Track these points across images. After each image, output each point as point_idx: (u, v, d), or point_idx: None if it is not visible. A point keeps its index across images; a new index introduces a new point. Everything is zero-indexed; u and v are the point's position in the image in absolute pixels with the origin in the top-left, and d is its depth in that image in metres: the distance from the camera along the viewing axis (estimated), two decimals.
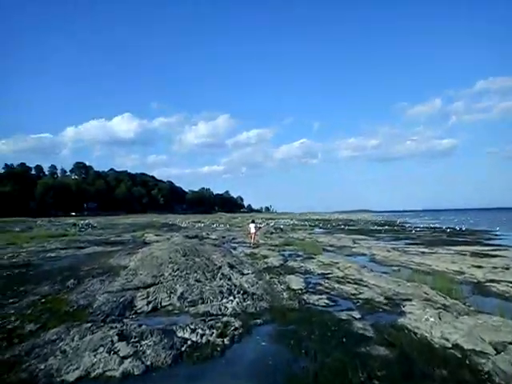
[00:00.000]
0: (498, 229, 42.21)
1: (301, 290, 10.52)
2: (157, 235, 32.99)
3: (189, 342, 6.23)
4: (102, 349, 5.81)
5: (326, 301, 9.25)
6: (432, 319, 7.12)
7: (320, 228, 54.35)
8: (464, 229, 43.21)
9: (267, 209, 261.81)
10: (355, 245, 25.28)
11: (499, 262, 15.47)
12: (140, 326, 7.01)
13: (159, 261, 13.86)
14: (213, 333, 6.70)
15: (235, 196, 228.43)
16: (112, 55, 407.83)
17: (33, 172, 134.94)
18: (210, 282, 10.94)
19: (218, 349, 6.01)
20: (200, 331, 6.75)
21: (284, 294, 9.94)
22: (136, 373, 5.15)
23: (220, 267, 13.62)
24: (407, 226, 56.83)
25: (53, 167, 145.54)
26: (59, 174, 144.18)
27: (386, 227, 51.99)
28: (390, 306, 8.72)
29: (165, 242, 24.33)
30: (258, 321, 7.52)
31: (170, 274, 11.86)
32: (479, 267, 14.29)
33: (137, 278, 11.53)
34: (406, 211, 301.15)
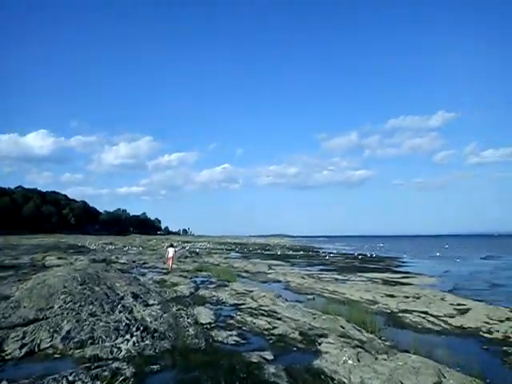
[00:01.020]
0: (405, 256, 44.26)
1: (210, 324, 9.52)
2: (60, 258, 30.21)
3: None
4: None
5: (237, 338, 8.33)
6: (350, 361, 6.47)
7: (237, 252, 53.68)
8: (374, 255, 44.75)
9: (185, 231, 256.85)
10: (270, 271, 24.81)
11: (410, 290, 15.63)
12: None
13: (51, 290, 12.10)
14: None
15: (152, 218, 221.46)
16: (34, 68, 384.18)
17: None
18: (107, 316, 9.56)
19: None
20: None
21: (190, 329, 8.84)
22: None
23: (122, 297, 12.24)
24: (321, 251, 57.92)
25: None
26: None
27: (301, 253, 52.59)
28: (306, 343, 7.99)
29: (67, 266, 22.13)
30: (155, 367, 6.36)
31: (60, 306, 10.26)
32: (392, 296, 14.28)
33: (18, 312, 9.80)
34: (321, 236, 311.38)
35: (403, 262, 36.04)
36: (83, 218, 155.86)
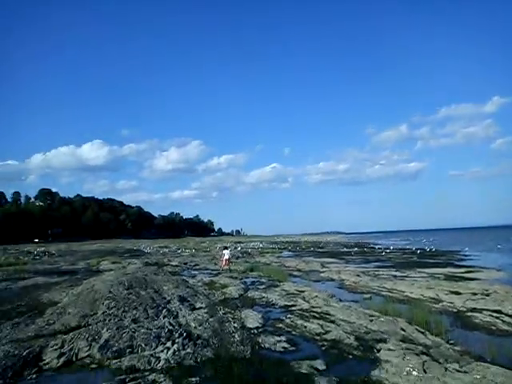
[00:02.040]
0: (466, 249, 41.73)
1: (257, 328, 8.86)
2: (114, 262, 30.72)
3: None
4: None
5: (286, 344, 7.61)
6: (415, 372, 5.57)
7: (289, 251, 52.93)
8: (434, 249, 42.49)
9: (238, 232, 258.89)
10: (324, 269, 23.84)
11: (477, 286, 14.20)
12: None
13: (96, 296, 11.91)
14: None
15: (205, 220, 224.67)
16: (82, 82, 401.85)
17: None
18: (150, 322, 9.12)
19: None
20: None
21: (236, 335, 8.21)
22: None
23: (169, 301, 11.84)
24: (377, 247, 55.98)
25: (16, 194, 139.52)
26: (23, 201, 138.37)
27: (356, 249, 51.00)
28: (362, 350, 7.13)
29: (118, 270, 22.27)
30: (194, 379, 5.75)
31: (103, 312, 9.96)
32: (457, 293, 12.99)
33: (62, 318, 9.58)
34: (376, 232, 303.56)
35: (465, 256, 33.86)
36: (139, 223, 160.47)
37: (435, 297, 12.74)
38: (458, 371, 5.58)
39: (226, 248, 26.48)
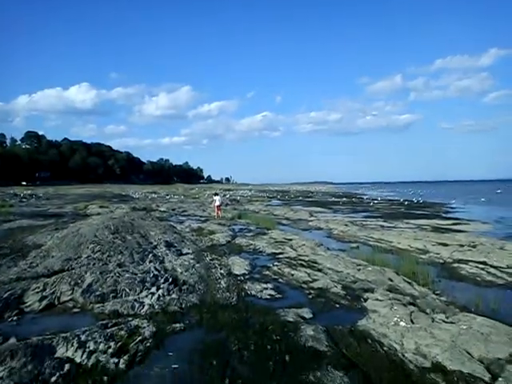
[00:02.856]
0: (453, 201, 42.12)
1: (244, 275, 8.79)
2: (101, 207, 30.51)
3: (66, 368, 4.31)
4: None
5: (272, 292, 7.54)
6: (403, 323, 5.50)
7: (278, 199, 53.11)
8: (421, 201, 42.86)
9: (227, 180, 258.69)
10: (312, 218, 23.90)
11: (464, 238, 14.26)
12: (6, 338, 5.03)
13: (81, 239, 11.72)
14: (109, 348, 4.80)
15: (195, 167, 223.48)
16: (71, 23, 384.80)
17: None
18: (136, 267, 8.99)
19: (105, 379, 4.12)
20: (92, 345, 4.84)
21: (222, 281, 8.13)
22: None
23: (155, 246, 11.73)
24: (365, 197, 56.42)
25: (2, 136, 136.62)
26: (8, 143, 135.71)
27: (344, 199, 51.30)
28: (349, 299, 7.08)
29: (105, 214, 22.07)
30: (178, 325, 5.64)
31: (87, 256, 9.81)
32: (444, 245, 13.02)
33: (45, 261, 9.41)
34: (364, 183, 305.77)
35: (453, 208, 34.16)
36: (128, 169, 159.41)
37: (422, 248, 12.77)
38: (445, 322, 5.53)
39: (216, 194, 26.06)
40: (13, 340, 4.98)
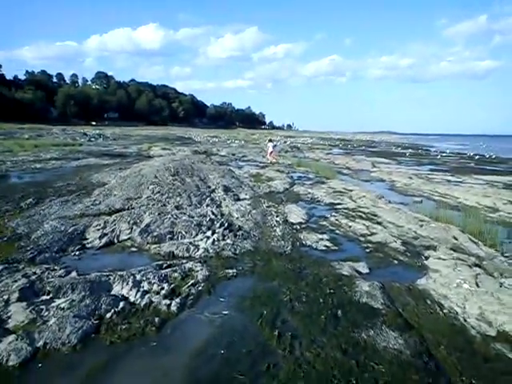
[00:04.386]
0: None
1: (300, 224, 8.62)
2: (164, 149, 31.22)
3: (120, 306, 4.41)
4: None
5: (328, 243, 7.32)
6: (466, 285, 5.14)
7: (340, 148, 51.74)
8: (494, 156, 40.15)
9: (289, 126, 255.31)
10: (374, 169, 23.08)
11: None
12: (68, 272, 5.23)
13: (143, 180, 12.02)
14: (162, 289, 4.87)
15: (257, 112, 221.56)
16: None
17: (54, 80, 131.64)
18: (193, 210, 9.09)
19: (156, 320, 4.17)
20: (146, 285, 4.94)
21: (278, 229, 8.02)
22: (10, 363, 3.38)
23: (213, 190, 11.81)
24: (432, 150, 53.68)
25: (74, 76, 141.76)
26: (80, 83, 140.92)
27: (410, 150, 49.07)
28: (409, 256, 6.74)
29: (167, 156, 22.52)
30: (231, 271, 5.63)
31: (147, 196, 10.04)
32: None
33: (107, 200, 9.73)
34: (432, 135, 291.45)
35: None
36: (191, 112, 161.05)
37: (492, 205, 11.94)
38: None
39: (270, 141, 25.89)
40: (74, 274, 5.18)
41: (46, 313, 4.14)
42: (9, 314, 4.07)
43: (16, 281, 4.76)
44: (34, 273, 5.09)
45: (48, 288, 4.67)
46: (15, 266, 5.38)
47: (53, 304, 4.34)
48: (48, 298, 4.50)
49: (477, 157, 37.99)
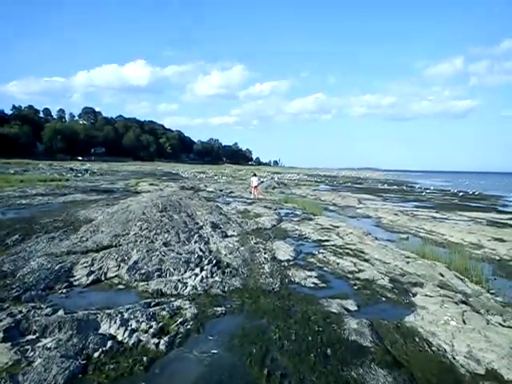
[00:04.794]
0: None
1: (288, 261, 8.64)
2: (152, 184, 31.28)
3: (108, 345, 4.36)
4: None
5: (316, 280, 7.35)
6: (453, 322, 5.19)
7: (326, 185, 52.32)
8: (477, 193, 40.87)
9: (275, 162, 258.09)
10: (360, 205, 23.35)
11: None
12: (55, 311, 5.16)
13: (130, 216, 11.98)
14: (150, 327, 4.83)
15: (244, 148, 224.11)
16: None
17: (41, 115, 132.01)
18: (181, 247, 9.08)
19: (144, 359, 4.13)
20: (134, 324, 4.90)
21: (266, 266, 8.04)
22: None
23: (201, 227, 11.80)
24: (417, 186, 54.51)
25: (61, 111, 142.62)
26: (67, 119, 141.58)
27: (395, 187, 49.86)
28: (397, 293, 6.78)
29: (154, 192, 22.54)
30: (220, 309, 5.61)
31: (135, 233, 10.01)
32: (501, 240, 12.32)
33: (95, 236, 9.68)
34: (415, 171, 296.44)
35: (510, 201, 32.39)
36: (179, 148, 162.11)
37: (477, 242, 12.14)
38: (502, 325, 5.17)
39: (255, 175, 26.30)
40: (61, 312, 5.12)
41: (32, 353, 4.07)
42: None
43: (0, 320, 4.68)
44: (20, 311, 5.02)
45: (34, 327, 4.61)
46: (0, 304, 5.30)
47: (39, 344, 4.27)
48: (34, 337, 4.44)
49: (461, 193, 38.64)
